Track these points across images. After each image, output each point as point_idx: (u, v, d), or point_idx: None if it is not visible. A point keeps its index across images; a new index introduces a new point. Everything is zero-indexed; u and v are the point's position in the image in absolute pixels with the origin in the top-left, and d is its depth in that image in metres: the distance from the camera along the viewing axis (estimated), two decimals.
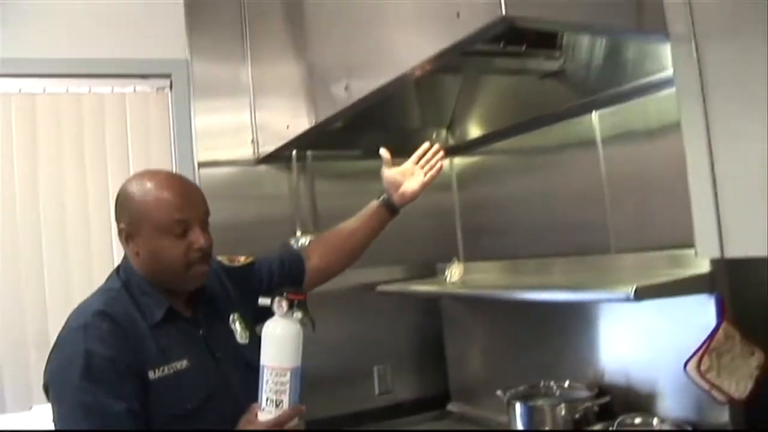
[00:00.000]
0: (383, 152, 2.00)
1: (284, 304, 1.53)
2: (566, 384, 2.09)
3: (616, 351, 2.07)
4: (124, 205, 1.59)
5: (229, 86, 2.60)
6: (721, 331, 1.66)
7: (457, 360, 2.74)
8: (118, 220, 1.60)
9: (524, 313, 2.41)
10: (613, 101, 2.11)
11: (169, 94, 2.55)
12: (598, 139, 2.18)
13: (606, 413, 1.94)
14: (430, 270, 2.72)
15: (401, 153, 2.60)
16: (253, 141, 2.57)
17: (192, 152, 2.51)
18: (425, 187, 1.99)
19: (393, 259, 2.72)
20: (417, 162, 2.01)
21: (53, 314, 2.34)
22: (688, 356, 1.69)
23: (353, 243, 2.00)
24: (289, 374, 1.52)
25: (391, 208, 2.00)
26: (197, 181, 2.49)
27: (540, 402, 2.05)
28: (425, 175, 2.00)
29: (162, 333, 1.54)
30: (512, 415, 2.07)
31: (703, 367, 1.65)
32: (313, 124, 2.29)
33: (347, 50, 2.09)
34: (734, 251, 1.43)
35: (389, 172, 1.99)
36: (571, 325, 2.23)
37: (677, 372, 1.80)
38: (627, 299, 1.60)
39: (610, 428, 1.82)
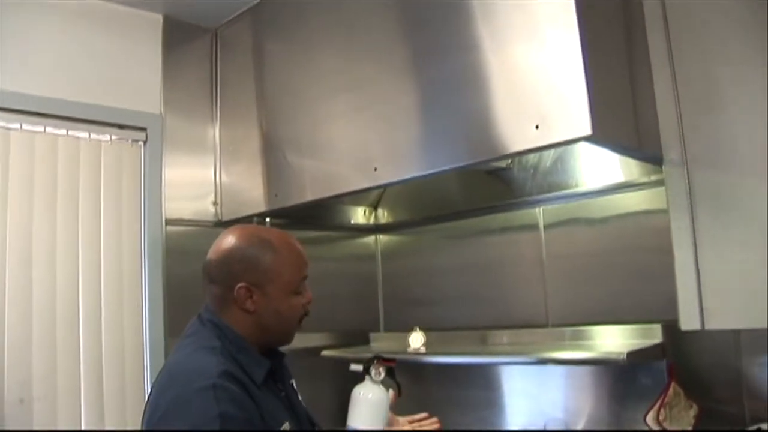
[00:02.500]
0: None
1: (382, 371, 1.65)
2: None
3: (554, 407, 2.43)
4: (249, 263, 1.56)
5: (197, 145, 2.72)
6: (671, 389, 2.10)
7: None
8: (232, 278, 1.55)
9: (457, 376, 2.70)
10: (557, 200, 2.51)
11: (143, 148, 2.55)
12: (541, 226, 2.58)
13: None
14: (362, 337, 2.91)
15: (332, 227, 3.00)
16: (215, 203, 2.65)
17: (161, 208, 2.55)
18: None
19: (325, 327, 2.90)
20: (410, 422, 2.00)
21: (12, 362, 2.20)
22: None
23: None
24: None
25: None
26: (163, 237, 2.52)
27: None
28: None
29: (264, 394, 1.50)
30: None
31: (661, 417, 2.07)
32: (267, 207, 2.50)
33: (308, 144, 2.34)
34: (713, 325, 1.86)
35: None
36: (511, 385, 2.56)
37: (623, 423, 2.23)
38: (622, 362, 1.98)
39: None
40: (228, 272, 1.56)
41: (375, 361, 1.65)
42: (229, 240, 1.60)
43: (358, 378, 1.68)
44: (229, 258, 1.57)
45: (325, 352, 2.71)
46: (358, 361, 1.66)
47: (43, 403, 2.23)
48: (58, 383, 2.28)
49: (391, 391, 1.69)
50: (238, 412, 1.37)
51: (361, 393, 1.63)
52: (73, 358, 2.32)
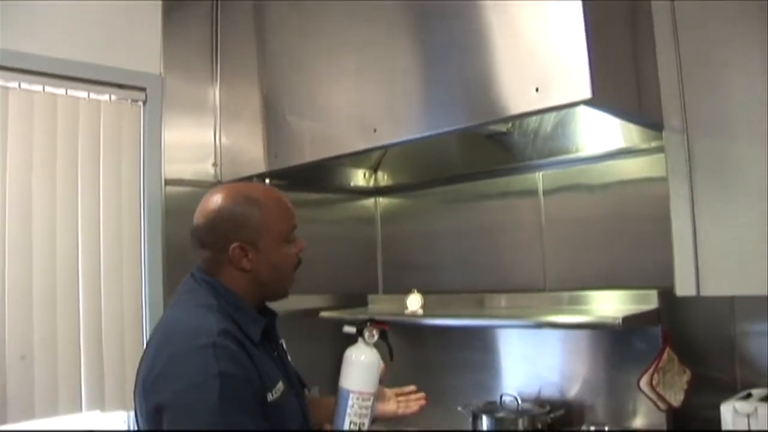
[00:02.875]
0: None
1: (375, 333, 1.65)
2: (519, 400, 2.37)
3: (551, 371, 2.45)
4: (238, 222, 1.55)
5: (197, 107, 2.71)
6: (665, 354, 2.12)
7: (384, 384, 2.93)
8: (224, 239, 1.54)
9: (455, 339, 2.73)
10: (557, 165, 2.52)
11: (142, 108, 2.54)
12: (540, 191, 2.58)
13: (559, 425, 2.29)
14: (361, 299, 2.93)
15: (332, 189, 3.00)
16: (215, 164, 2.65)
17: (161, 168, 2.54)
18: (394, 416, 1.90)
19: (325, 288, 2.91)
20: (398, 394, 1.94)
21: (12, 319, 2.22)
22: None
23: None
24: (372, 399, 1.64)
25: None
26: (163, 197, 2.53)
27: (501, 415, 2.35)
28: (398, 408, 1.91)
29: (260, 354, 1.49)
30: (478, 428, 2.34)
31: (654, 382, 2.09)
32: (267, 168, 2.50)
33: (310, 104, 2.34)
34: (708, 291, 1.87)
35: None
36: (508, 349, 2.59)
37: (617, 387, 2.25)
38: (617, 327, 1.99)
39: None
40: (218, 234, 1.54)
41: (368, 324, 1.65)
42: (213, 201, 1.58)
43: (352, 340, 1.69)
44: (218, 219, 1.55)
45: (323, 314, 2.72)
46: (352, 324, 1.67)
47: (43, 361, 2.26)
48: (58, 341, 2.30)
49: (381, 363, 1.69)
50: (237, 370, 1.37)
51: (354, 355, 1.64)
52: (73, 316, 2.34)
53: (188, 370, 1.36)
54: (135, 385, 1.48)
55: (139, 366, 1.49)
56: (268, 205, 1.58)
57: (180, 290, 1.60)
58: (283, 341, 1.70)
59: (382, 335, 1.69)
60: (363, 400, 1.61)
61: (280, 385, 1.50)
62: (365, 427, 1.61)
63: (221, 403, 1.32)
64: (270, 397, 1.45)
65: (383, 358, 1.71)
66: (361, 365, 1.63)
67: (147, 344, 1.54)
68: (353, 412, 1.60)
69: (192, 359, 1.37)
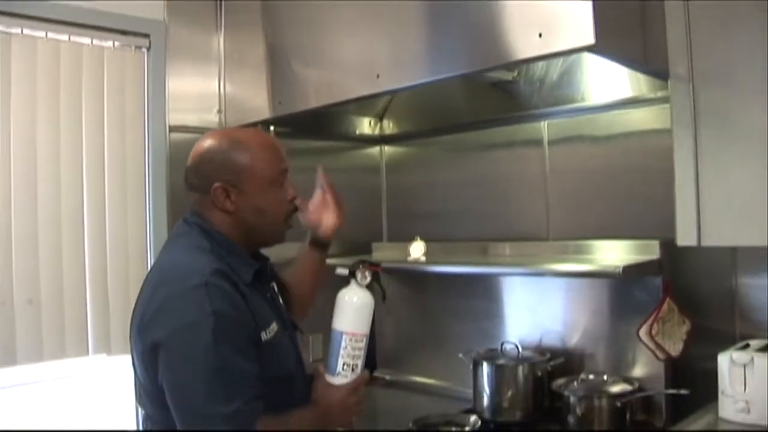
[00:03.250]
0: (298, 201, 1.75)
1: (368, 275, 1.65)
2: (519, 348, 2.39)
3: (552, 320, 2.47)
4: (221, 163, 1.57)
5: (201, 55, 2.68)
6: (665, 305, 2.13)
7: (385, 330, 3.00)
8: (207, 180, 1.56)
9: (458, 287, 2.75)
10: (563, 114, 2.49)
11: (146, 55, 2.52)
12: (545, 141, 2.57)
13: (559, 373, 2.31)
14: (365, 248, 2.95)
15: (337, 137, 3.01)
16: (219, 111, 2.64)
17: (165, 115, 2.54)
18: (341, 213, 1.92)
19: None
20: (323, 194, 1.91)
21: (19, 265, 2.25)
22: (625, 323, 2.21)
23: (304, 290, 1.93)
24: (365, 340, 1.64)
25: (321, 245, 1.95)
26: (167, 144, 2.53)
27: (502, 362, 2.37)
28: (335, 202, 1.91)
29: (252, 295, 1.53)
30: (479, 374, 2.37)
31: (653, 332, 2.10)
32: (271, 115, 2.48)
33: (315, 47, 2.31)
34: (709, 241, 1.86)
35: (306, 216, 1.87)
36: (510, 297, 2.61)
37: (617, 337, 2.27)
38: (617, 276, 2.00)
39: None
40: (203, 176, 1.58)
41: (361, 266, 1.66)
42: (202, 145, 1.62)
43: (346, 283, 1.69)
44: (203, 161, 1.60)
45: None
46: (344, 266, 1.68)
47: (50, 305, 2.30)
48: (64, 285, 2.33)
49: (374, 304, 1.68)
50: (231, 309, 1.41)
51: (346, 296, 1.64)
52: (79, 261, 2.37)
53: (183, 309, 1.40)
54: (130, 326, 1.52)
55: (135, 307, 1.53)
56: (254, 147, 1.60)
57: (173, 233, 1.65)
58: (274, 284, 1.74)
59: (375, 277, 1.69)
60: (356, 341, 1.62)
61: (274, 326, 1.55)
62: (359, 369, 1.62)
63: (214, 340, 1.36)
64: (264, 336, 1.49)
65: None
66: (353, 306, 1.63)
67: (143, 286, 1.57)
68: (346, 353, 1.60)
69: (186, 298, 1.41)
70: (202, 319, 1.37)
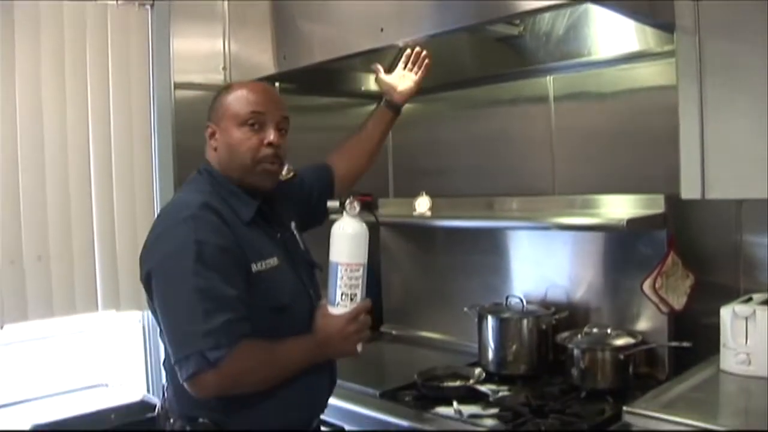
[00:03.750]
0: (375, 65, 2.23)
1: (357, 205, 1.65)
2: (524, 301, 2.41)
3: (557, 274, 2.48)
4: (212, 105, 1.71)
5: (205, 14, 2.66)
6: (669, 258, 2.14)
7: (392, 286, 3.03)
8: (207, 122, 1.71)
9: (464, 241, 2.76)
10: (569, 69, 2.48)
11: (150, 12, 2.51)
12: (551, 97, 2.55)
13: (563, 327, 2.32)
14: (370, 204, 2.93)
15: (343, 94, 3.02)
16: (224, 68, 2.64)
17: (170, 72, 2.53)
18: (419, 84, 2.21)
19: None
20: (405, 67, 2.19)
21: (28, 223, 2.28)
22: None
23: (371, 147, 2.18)
24: (361, 269, 1.65)
25: (394, 109, 2.19)
26: (172, 101, 2.53)
27: (507, 315, 2.40)
28: (416, 74, 2.20)
29: (253, 232, 1.63)
30: (484, 328, 2.39)
31: (657, 285, 2.11)
32: (277, 69, 2.50)
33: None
34: (714, 195, 1.86)
35: (385, 78, 2.20)
36: (516, 251, 2.61)
37: (621, 291, 2.28)
38: (621, 229, 2.01)
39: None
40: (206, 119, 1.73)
41: (350, 197, 1.68)
42: None
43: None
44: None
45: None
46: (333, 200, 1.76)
47: (59, 261, 2.33)
48: (73, 242, 2.37)
49: (368, 233, 1.69)
50: (215, 239, 1.52)
51: (339, 228, 1.66)
52: (87, 219, 2.41)
53: (170, 240, 1.54)
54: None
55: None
56: (236, 89, 1.70)
57: (185, 183, 1.76)
58: (293, 225, 1.81)
59: (365, 206, 1.71)
60: (352, 271, 1.64)
61: (273, 260, 1.63)
62: (358, 298, 1.64)
63: (195, 265, 1.47)
64: (255, 267, 1.58)
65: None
66: (346, 237, 1.64)
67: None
68: (343, 283, 1.63)
69: (175, 230, 1.54)
70: (187, 247, 1.49)
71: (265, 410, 1.59)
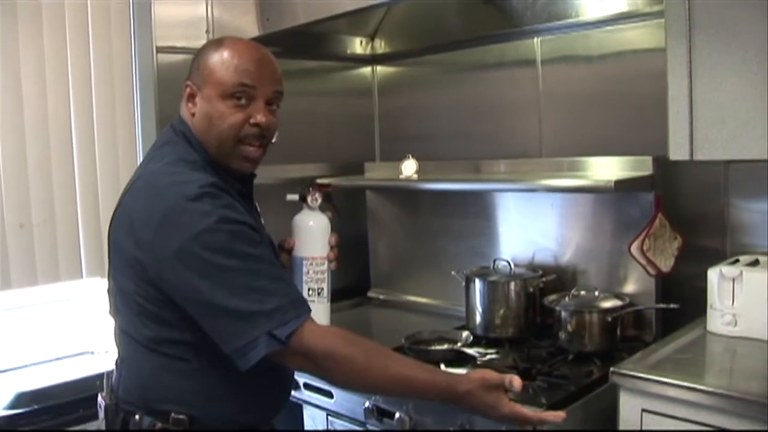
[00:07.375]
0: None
1: (318, 197, 1.63)
2: (512, 264, 2.40)
3: (545, 237, 2.47)
4: (194, 61, 1.52)
5: None
6: (657, 220, 2.13)
7: (379, 251, 3.02)
8: (187, 80, 1.52)
9: (451, 205, 2.74)
10: (556, 31, 2.45)
11: None
12: (538, 59, 2.52)
13: (550, 290, 2.32)
14: (358, 168, 2.93)
15: (328, 57, 2.96)
16: (207, 31, 2.58)
17: (151, 37, 2.46)
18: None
19: (321, 157, 2.92)
20: None
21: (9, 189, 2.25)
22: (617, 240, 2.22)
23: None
24: (325, 263, 1.64)
25: None
26: (155, 66, 2.48)
27: (494, 278, 2.39)
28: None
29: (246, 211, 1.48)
30: (471, 291, 2.38)
31: (645, 247, 2.11)
32: (260, 32, 2.48)
33: None
34: (702, 156, 1.84)
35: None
36: (503, 214, 2.60)
37: (609, 253, 2.27)
38: (609, 190, 2.00)
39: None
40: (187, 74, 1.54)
41: (311, 189, 1.64)
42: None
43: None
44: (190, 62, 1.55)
45: (318, 180, 2.72)
46: (294, 192, 1.65)
47: (42, 228, 2.31)
48: (55, 209, 2.34)
49: (329, 225, 1.66)
50: (235, 215, 1.36)
51: (300, 221, 1.63)
52: (69, 185, 2.38)
53: (188, 221, 1.32)
54: (116, 222, 1.49)
55: (121, 207, 1.49)
56: (224, 51, 1.48)
57: (158, 142, 1.59)
58: (257, 205, 1.66)
59: (326, 198, 1.67)
60: (317, 264, 1.62)
61: (267, 241, 1.53)
62: (325, 292, 1.62)
63: (231, 242, 1.32)
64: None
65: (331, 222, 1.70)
66: (308, 231, 1.62)
67: (127, 189, 1.51)
68: (309, 278, 1.61)
69: (189, 210, 1.33)
70: (213, 226, 1.32)
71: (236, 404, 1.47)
